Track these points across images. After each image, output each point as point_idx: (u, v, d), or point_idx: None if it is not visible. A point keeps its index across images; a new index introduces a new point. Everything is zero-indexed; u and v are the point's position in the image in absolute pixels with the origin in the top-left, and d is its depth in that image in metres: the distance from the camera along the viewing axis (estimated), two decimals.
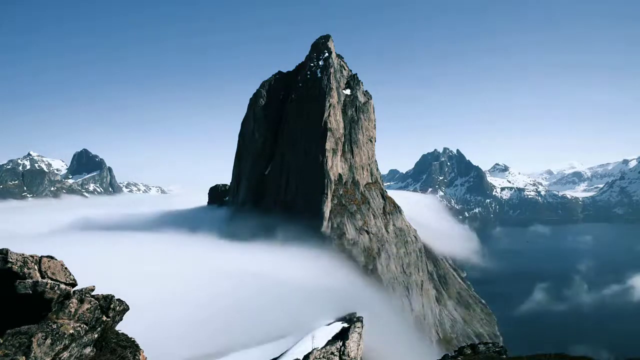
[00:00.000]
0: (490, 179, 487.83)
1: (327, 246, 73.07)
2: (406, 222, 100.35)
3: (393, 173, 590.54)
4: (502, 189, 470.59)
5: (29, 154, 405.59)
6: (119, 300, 9.14)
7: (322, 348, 17.29)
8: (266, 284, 53.04)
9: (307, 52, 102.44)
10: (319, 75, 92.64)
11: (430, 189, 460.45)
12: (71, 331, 7.48)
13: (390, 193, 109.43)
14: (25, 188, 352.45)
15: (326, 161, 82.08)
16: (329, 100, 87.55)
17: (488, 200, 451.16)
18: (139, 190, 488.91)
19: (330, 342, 18.49)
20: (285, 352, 25.29)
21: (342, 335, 19.56)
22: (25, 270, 7.39)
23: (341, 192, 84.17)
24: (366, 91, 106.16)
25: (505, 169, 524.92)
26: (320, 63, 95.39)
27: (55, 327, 7.25)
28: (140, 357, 8.98)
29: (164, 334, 32.79)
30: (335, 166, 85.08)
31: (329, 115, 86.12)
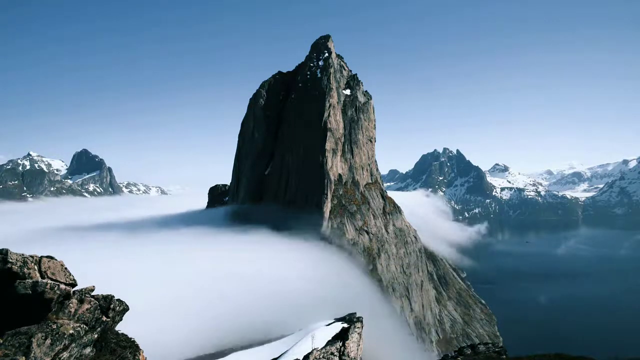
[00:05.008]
0: (490, 179, 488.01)
1: (327, 246, 73.05)
2: (406, 223, 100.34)
3: (393, 173, 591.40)
4: (502, 189, 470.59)
5: (28, 154, 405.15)
6: (118, 300, 9.14)
7: (322, 348, 17.28)
8: (266, 284, 53.05)
9: (307, 52, 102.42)
10: (319, 75, 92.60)
11: (430, 189, 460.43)
12: (71, 331, 7.48)
13: (390, 193, 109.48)
14: (25, 188, 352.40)
15: (326, 161, 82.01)
16: (328, 101, 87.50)
17: (488, 201, 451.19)
18: (139, 190, 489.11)
19: (330, 342, 18.48)
20: (285, 352, 25.26)
21: (342, 336, 19.55)
22: (25, 270, 7.38)
23: (341, 192, 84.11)
24: (366, 91, 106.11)
25: (505, 169, 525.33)
26: (320, 63, 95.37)
27: (55, 327, 7.25)
28: (140, 358, 8.97)
29: (164, 334, 32.80)
30: (335, 166, 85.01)
31: (328, 115, 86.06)
